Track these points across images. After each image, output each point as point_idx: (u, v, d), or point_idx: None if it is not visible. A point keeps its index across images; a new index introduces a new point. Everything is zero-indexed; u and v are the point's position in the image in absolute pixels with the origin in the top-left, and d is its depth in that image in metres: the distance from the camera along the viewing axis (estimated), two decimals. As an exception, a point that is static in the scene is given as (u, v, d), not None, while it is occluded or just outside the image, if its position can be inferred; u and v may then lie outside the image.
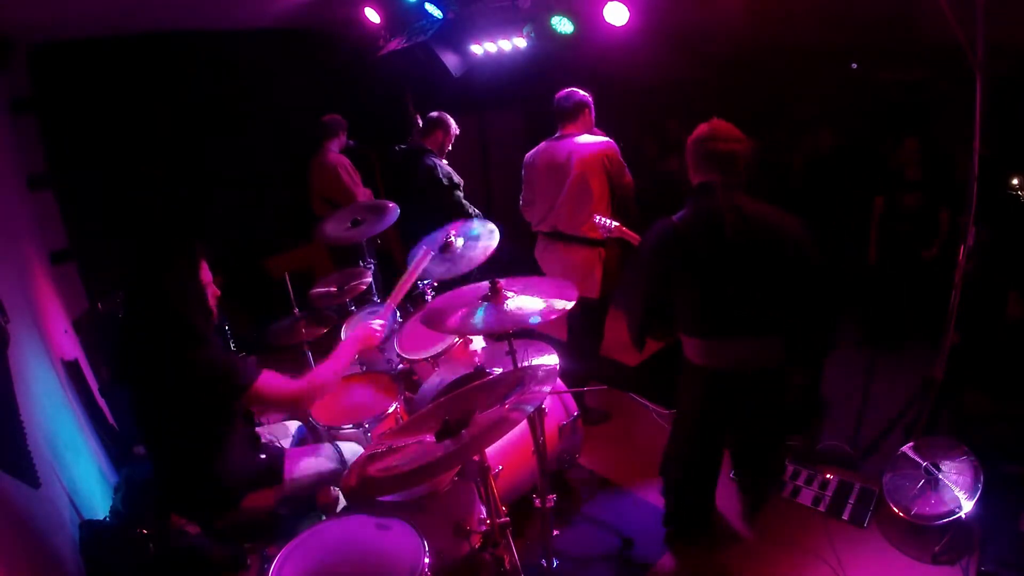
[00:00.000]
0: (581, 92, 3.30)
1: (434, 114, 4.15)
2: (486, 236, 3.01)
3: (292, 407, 2.14)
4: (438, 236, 3.06)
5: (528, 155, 3.44)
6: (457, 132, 4.16)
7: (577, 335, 3.61)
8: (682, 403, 2.52)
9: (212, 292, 2.09)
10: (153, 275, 1.97)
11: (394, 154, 4.24)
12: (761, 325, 2.18)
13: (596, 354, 3.64)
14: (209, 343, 1.98)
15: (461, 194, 4.06)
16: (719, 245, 2.10)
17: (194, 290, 2.00)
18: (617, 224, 2.71)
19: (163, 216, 4.46)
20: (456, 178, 4.05)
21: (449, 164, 4.12)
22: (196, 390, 1.92)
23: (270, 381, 2.01)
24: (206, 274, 2.06)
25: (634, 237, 2.67)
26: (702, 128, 2.23)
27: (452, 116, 4.13)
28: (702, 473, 2.58)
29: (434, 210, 3.91)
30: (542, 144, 3.38)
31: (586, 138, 3.25)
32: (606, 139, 3.26)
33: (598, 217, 2.74)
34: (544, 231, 3.47)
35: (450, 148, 4.20)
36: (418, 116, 4.26)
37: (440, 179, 3.96)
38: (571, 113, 3.27)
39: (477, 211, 4.12)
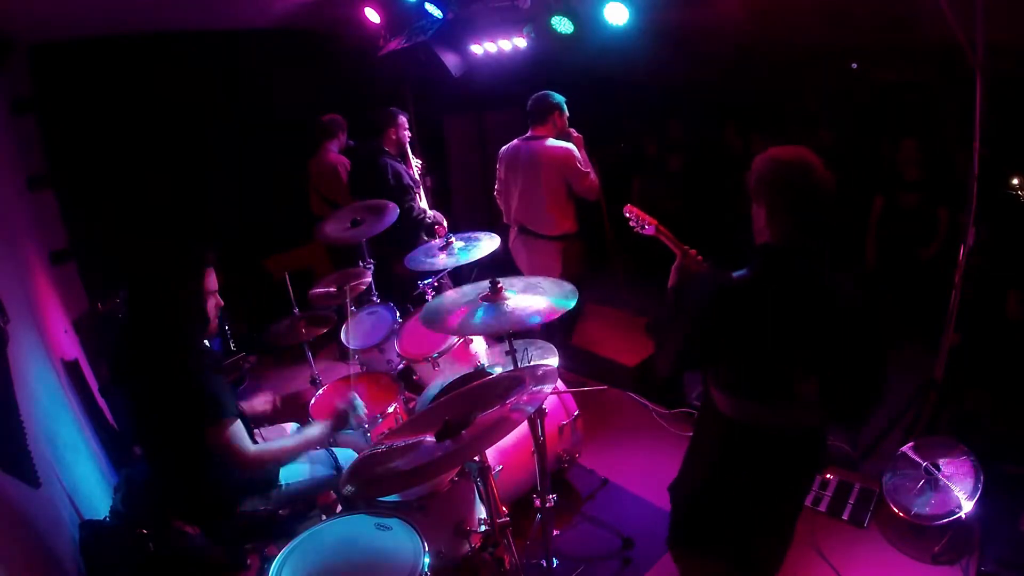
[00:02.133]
0: (554, 96, 3.51)
1: (382, 110, 4.05)
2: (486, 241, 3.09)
3: (237, 463, 1.98)
4: None
5: (501, 149, 3.71)
6: (405, 122, 4.07)
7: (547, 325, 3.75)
8: (698, 437, 2.23)
9: (215, 302, 2.07)
10: (154, 279, 1.97)
11: (351, 152, 4.21)
12: (808, 393, 1.80)
13: (567, 343, 3.92)
14: (200, 357, 1.96)
15: (409, 196, 3.97)
16: (785, 319, 1.68)
17: (194, 298, 1.99)
18: (654, 222, 2.30)
19: (169, 218, 4.46)
20: (407, 179, 3.99)
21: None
22: (179, 402, 1.90)
23: (237, 432, 1.94)
24: (212, 283, 2.04)
25: (676, 243, 2.20)
26: (795, 166, 1.65)
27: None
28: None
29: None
30: (514, 141, 3.64)
31: (548, 143, 3.48)
32: (566, 146, 3.47)
33: (632, 210, 2.36)
34: (514, 226, 3.80)
35: (409, 137, 4.11)
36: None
37: (388, 178, 3.91)
38: (539, 116, 3.51)
39: (427, 214, 4.06)
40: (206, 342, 2.18)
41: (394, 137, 4.04)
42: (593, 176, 3.54)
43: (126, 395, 2.06)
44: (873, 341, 1.78)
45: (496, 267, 3.12)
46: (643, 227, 2.32)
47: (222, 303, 2.11)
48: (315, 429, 2.18)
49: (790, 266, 1.69)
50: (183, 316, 1.96)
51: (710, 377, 1.98)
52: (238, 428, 1.95)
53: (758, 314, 1.69)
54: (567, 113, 3.56)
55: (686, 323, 1.88)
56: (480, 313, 2.12)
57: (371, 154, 4.03)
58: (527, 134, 3.59)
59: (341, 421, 2.26)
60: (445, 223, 4.14)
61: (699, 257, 2.07)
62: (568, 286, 2.24)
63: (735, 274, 1.75)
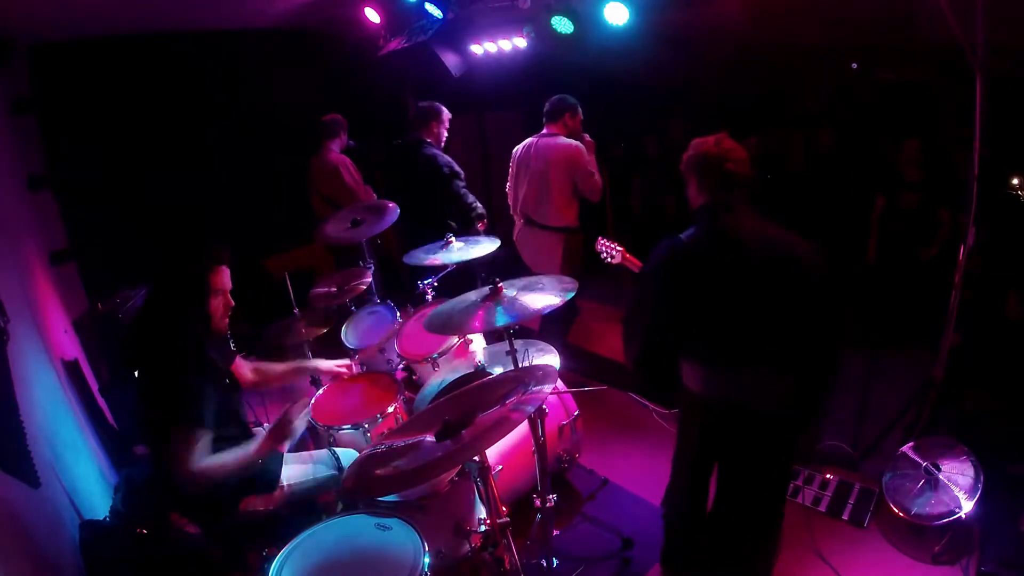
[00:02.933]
0: (569, 99, 3.71)
1: (424, 104, 4.09)
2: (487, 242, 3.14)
3: (176, 470, 1.88)
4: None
5: (516, 147, 3.91)
6: (449, 117, 4.11)
7: (545, 324, 3.93)
8: (681, 438, 2.32)
9: (225, 302, 2.07)
10: (165, 281, 1.98)
11: (393, 148, 4.21)
12: (768, 355, 1.97)
13: (565, 335, 4.07)
14: (197, 358, 1.95)
15: (462, 184, 4.03)
16: (732, 268, 1.94)
17: (196, 295, 1.99)
18: (621, 250, 2.68)
19: (179, 218, 4.45)
20: (456, 167, 4.03)
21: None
22: (165, 399, 1.90)
23: (197, 443, 1.88)
24: (220, 281, 2.04)
25: (637, 265, 2.59)
26: (708, 146, 2.04)
27: (452, 116, 4.14)
28: (700, 512, 2.32)
29: (435, 203, 3.96)
30: (527, 139, 3.82)
31: (559, 139, 3.68)
32: (576, 144, 3.66)
33: (603, 243, 2.72)
34: (519, 217, 3.96)
35: (446, 136, 4.16)
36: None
37: (441, 167, 3.93)
38: (552, 115, 3.74)
39: (479, 204, 4.08)
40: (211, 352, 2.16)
41: (436, 131, 4.06)
42: (598, 178, 3.69)
43: (136, 382, 2.05)
44: (832, 303, 1.96)
45: (502, 267, 3.13)
46: (612, 256, 2.63)
47: (232, 303, 2.10)
48: (252, 445, 2.02)
49: (719, 219, 1.98)
50: (183, 313, 1.96)
51: (681, 356, 2.13)
52: (200, 440, 1.88)
53: (708, 259, 1.95)
54: (580, 115, 3.73)
55: (648, 294, 2.09)
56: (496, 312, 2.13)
57: (412, 148, 4.02)
58: (542, 131, 3.77)
59: (279, 433, 2.02)
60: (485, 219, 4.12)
61: None
62: (567, 280, 2.25)
63: (682, 235, 2.02)
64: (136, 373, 2.02)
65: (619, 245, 2.68)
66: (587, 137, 3.75)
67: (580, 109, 3.72)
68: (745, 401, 2.00)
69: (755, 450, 2.06)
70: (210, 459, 1.92)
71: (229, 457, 1.96)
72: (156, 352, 1.92)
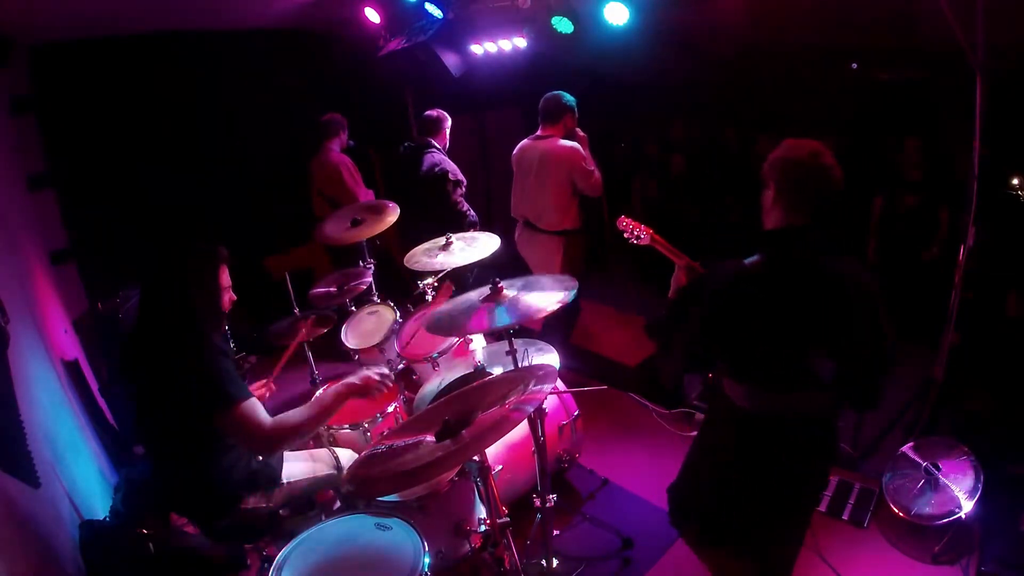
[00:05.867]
0: (566, 98, 3.57)
1: (433, 113, 4.13)
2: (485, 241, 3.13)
3: (255, 440, 1.94)
4: None
5: (515, 148, 3.81)
6: (450, 125, 4.19)
7: (548, 320, 3.85)
8: (709, 435, 2.23)
9: (229, 297, 2.10)
10: (173, 276, 1.98)
11: (400, 152, 4.23)
12: (818, 381, 1.85)
13: (566, 335, 4.05)
14: (212, 348, 1.95)
15: (462, 192, 4.04)
16: (800, 302, 1.76)
17: (211, 294, 2.01)
18: (649, 231, 2.29)
19: (179, 217, 4.46)
20: (459, 176, 4.04)
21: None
22: (186, 392, 1.90)
23: (252, 409, 1.91)
24: (226, 278, 2.06)
25: (675, 252, 2.17)
26: (806, 154, 1.78)
27: (452, 116, 4.15)
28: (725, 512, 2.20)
29: (434, 207, 3.94)
30: (524, 141, 3.75)
31: (556, 142, 3.57)
32: (574, 146, 3.56)
33: (626, 221, 2.35)
34: (519, 220, 3.92)
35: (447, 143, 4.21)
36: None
37: (447, 172, 3.95)
38: (550, 116, 3.59)
39: (472, 212, 4.10)
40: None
41: (445, 138, 4.13)
42: (597, 174, 3.64)
43: (134, 388, 2.05)
44: (884, 320, 1.83)
45: (496, 266, 3.12)
46: (638, 237, 2.31)
47: (235, 298, 2.12)
48: (328, 393, 2.06)
49: (796, 248, 1.76)
50: (201, 311, 1.97)
51: (725, 371, 1.99)
52: (252, 405, 1.92)
53: (773, 296, 1.75)
54: (577, 115, 3.64)
55: (697, 318, 1.88)
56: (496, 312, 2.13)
57: (422, 149, 4.06)
58: (536, 132, 3.68)
59: (361, 388, 2.07)
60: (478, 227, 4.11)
61: (699, 268, 2.06)
62: (567, 280, 2.25)
63: (746, 260, 1.80)
64: (142, 377, 2.02)
65: (646, 226, 2.32)
66: (580, 132, 3.67)
67: (576, 106, 3.62)
68: (792, 414, 1.89)
69: (795, 454, 1.94)
70: (282, 417, 1.96)
71: (305, 411, 1.98)
72: (181, 352, 1.91)
